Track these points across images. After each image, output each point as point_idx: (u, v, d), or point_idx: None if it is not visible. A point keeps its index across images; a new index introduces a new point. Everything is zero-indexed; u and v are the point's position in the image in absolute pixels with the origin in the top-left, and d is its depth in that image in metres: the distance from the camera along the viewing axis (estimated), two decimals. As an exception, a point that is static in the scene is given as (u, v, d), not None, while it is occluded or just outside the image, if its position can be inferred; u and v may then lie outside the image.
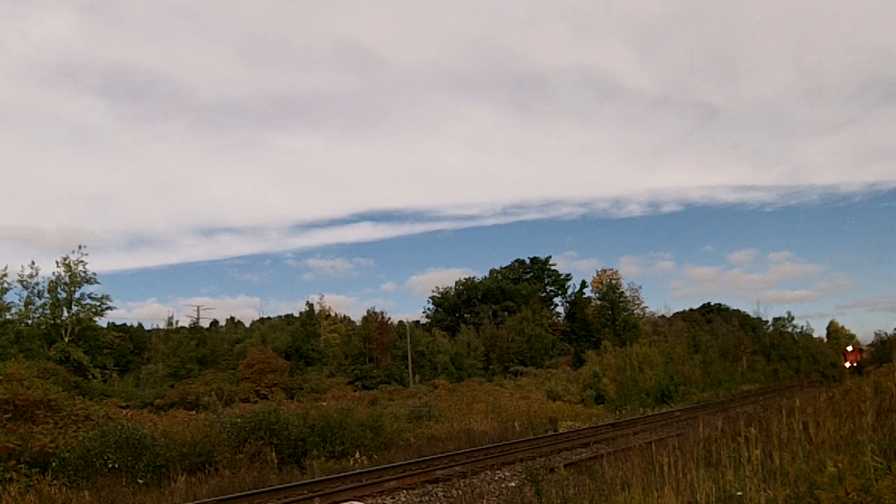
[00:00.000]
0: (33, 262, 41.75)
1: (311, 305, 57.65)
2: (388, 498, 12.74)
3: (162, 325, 55.35)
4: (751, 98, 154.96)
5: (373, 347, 53.71)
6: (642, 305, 71.05)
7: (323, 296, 74.78)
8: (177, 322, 54.82)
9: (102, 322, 46.04)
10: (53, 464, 13.93)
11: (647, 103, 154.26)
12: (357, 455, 17.39)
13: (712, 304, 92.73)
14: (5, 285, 38.63)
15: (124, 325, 65.83)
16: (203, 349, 51.17)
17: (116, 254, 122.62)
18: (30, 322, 38.98)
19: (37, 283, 39.68)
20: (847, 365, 64.54)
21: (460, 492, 12.89)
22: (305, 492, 12.88)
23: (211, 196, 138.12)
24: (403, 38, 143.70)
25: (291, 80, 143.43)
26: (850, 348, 73.47)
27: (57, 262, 40.29)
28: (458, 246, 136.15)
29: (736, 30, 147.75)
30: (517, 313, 63.29)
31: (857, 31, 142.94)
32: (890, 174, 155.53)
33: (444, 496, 12.79)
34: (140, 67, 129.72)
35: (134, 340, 59.22)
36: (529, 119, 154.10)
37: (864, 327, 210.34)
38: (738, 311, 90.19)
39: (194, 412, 28.64)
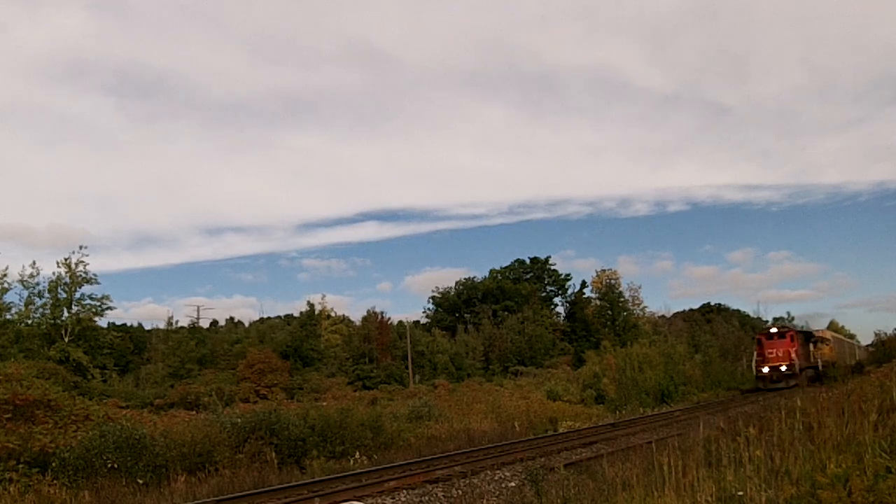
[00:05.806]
0: (34, 262, 41.67)
1: (311, 305, 57.69)
2: (388, 498, 12.71)
3: (161, 325, 55.57)
4: (760, 97, 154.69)
5: (373, 347, 53.72)
6: (642, 305, 71.14)
7: (324, 296, 74.78)
8: (176, 322, 54.99)
9: (102, 322, 46.09)
10: (53, 464, 13.89)
11: (656, 102, 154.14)
12: (357, 455, 17.38)
13: (712, 303, 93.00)
14: (5, 285, 38.67)
15: (124, 325, 65.87)
16: (203, 349, 51.21)
17: (121, 253, 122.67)
18: (30, 322, 38.95)
19: (37, 284, 39.71)
20: (766, 370, 39.23)
21: (460, 492, 12.88)
22: (305, 492, 12.86)
23: (217, 195, 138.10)
24: (412, 37, 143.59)
25: (300, 78, 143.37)
26: (774, 329, 42.39)
27: (58, 263, 40.33)
28: (461, 245, 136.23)
29: (746, 29, 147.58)
30: (517, 313, 63.30)
31: (866, 30, 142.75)
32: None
33: (444, 496, 12.78)
34: (148, 66, 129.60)
35: (134, 340, 59.25)
36: (538, 117, 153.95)
37: (865, 327, 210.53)
38: (738, 310, 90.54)
39: (194, 412, 28.59)
